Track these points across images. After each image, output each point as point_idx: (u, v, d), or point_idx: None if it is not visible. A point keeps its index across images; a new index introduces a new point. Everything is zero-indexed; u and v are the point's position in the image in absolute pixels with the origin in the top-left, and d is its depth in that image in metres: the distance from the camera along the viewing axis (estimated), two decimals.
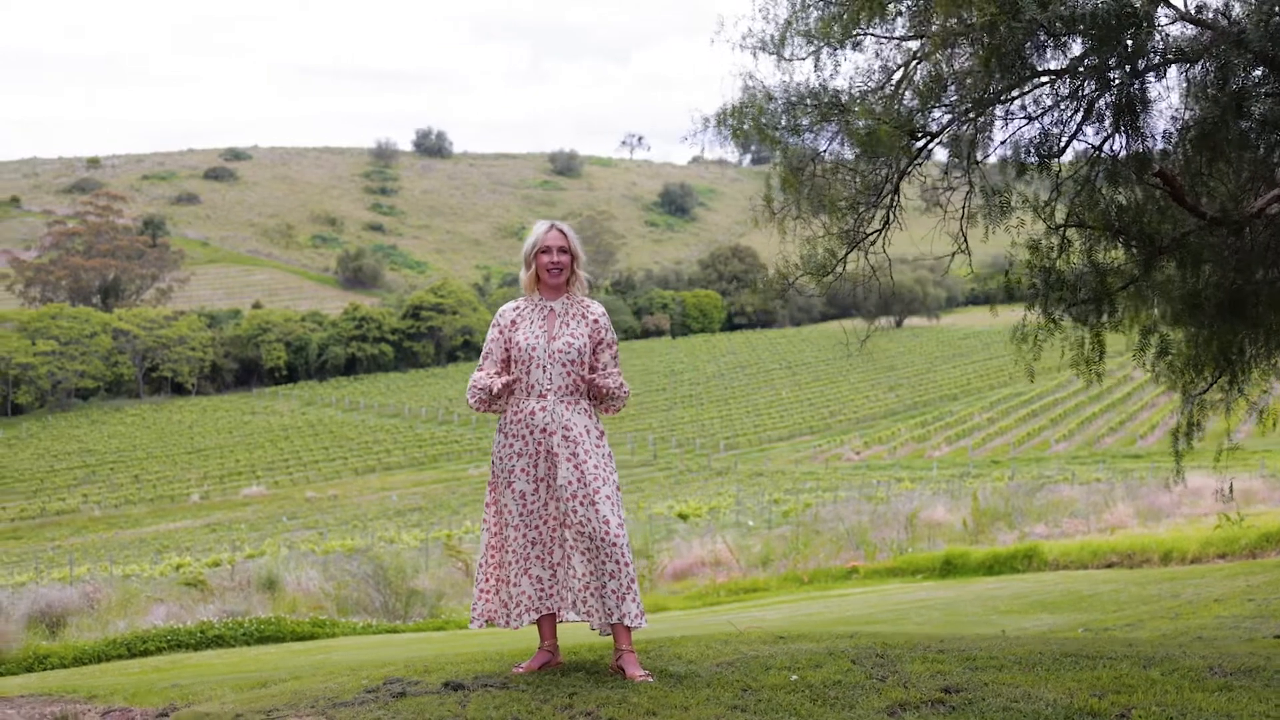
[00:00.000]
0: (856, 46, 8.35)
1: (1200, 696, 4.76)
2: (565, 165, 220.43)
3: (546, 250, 5.59)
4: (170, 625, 13.30)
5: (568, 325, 5.58)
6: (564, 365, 5.51)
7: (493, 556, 5.58)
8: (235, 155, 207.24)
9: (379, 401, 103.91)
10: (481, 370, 5.60)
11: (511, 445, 5.52)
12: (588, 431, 5.51)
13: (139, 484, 78.15)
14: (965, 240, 8.87)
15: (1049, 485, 33.39)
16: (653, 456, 77.24)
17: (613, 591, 5.29)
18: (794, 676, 5.08)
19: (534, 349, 5.52)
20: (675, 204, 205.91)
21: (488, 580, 5.57)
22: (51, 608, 16.10)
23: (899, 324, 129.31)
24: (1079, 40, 7.12)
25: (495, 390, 5.45)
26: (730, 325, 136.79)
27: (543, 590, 5.45)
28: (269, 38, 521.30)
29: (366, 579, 17.05)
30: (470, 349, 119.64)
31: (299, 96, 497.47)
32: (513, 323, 5.63)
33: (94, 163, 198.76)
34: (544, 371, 5.51)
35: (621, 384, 5.62)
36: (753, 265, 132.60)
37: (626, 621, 5.28)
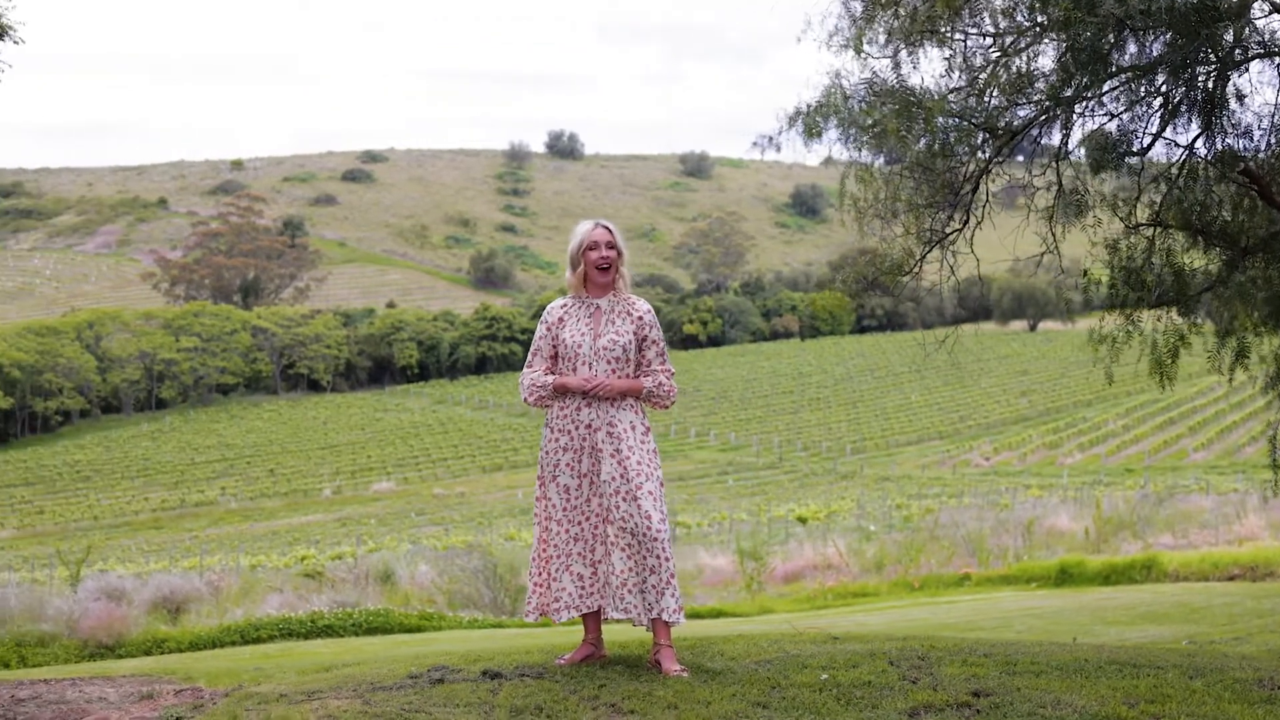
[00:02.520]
0: (941, 44, 8.26)
1: (1238, 708, 4.61)
2: (696, 166, 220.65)
3: (594, 246, 5.64)
4: (283, 614, 13.62)
5: (613, 323, 5.64)
6: (609, 362, 5.58)
7: (543, 550, 5.68)
8: (372, 157, 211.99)
9: (508, 400, 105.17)
10: (531, 367, 5.70)
11: (558, 440, 5.61)
12: (633, 427, 5.57)
13: (274, 478, 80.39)
14: (1055, 239, 8.69)
15: (1180, 494, 32.37)
16: (778, 459, 76.87)
17: (653, 587, 5.36)
18: (824, 676, 5.06)
19: (580, 346, 5.60)
20: (806, 205, 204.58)
21: (540, 574, 5.67)
22: (174, 594, 16.57)
23: (1033, 328, 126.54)
24: (1160, 36, 6.94)
25: (584, 389, 5.53)
26: (859, 328, 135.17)
27: (583, 588, 5.52)
28: (406, 42, 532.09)
29: (477, 574, 17.22)
30: None
31: (434, 100, 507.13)
32: (560, 320, 5.70)
33: (237, 165, 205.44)
34: (589, 369, 5.58)
35: (660, 383, 5.65)
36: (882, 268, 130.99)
37: (665, 616, 5.34)
